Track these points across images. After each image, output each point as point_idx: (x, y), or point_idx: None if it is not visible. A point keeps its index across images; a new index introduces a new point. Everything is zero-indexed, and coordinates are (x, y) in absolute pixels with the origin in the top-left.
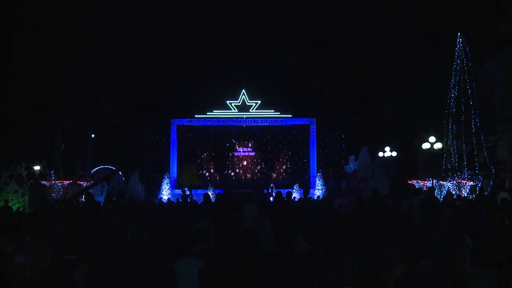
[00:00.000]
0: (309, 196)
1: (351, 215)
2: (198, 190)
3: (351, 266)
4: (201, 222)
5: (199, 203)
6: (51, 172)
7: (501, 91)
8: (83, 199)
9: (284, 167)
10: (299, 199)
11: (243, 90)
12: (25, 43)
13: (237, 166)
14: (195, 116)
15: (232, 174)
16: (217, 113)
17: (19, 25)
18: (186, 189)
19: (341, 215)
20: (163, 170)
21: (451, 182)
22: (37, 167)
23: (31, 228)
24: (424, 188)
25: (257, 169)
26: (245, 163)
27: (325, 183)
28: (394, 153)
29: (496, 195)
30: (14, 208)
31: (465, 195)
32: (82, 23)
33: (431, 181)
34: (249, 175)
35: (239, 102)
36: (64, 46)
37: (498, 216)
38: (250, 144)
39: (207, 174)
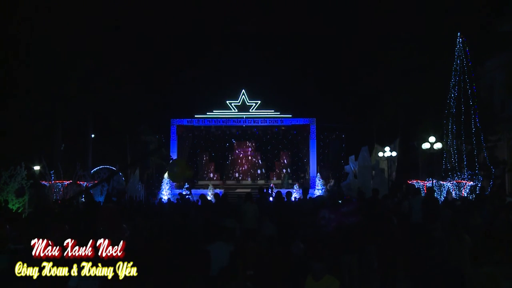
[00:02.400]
0: (308, 196)
1: (328, 233)
2: (198, 190)
3: (349, 267)
4: (227, 222)
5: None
6: (51, 172)
7: (501, 91)
8: (83, 199)
9: (284, 170)
10: (298, 199)
11: (243, 90)
12: (25, 42)
13: (237, 166)
14: (195, 116)
15: (231, 175)
16: (217, 113)
17: (19, 25)
18: (183, 191)
19: (320, 226)
20: (163, 170)
21: (451, 182)
22: (37, 167)
23: (32, 228)
24: (424, 188)
25: (257, 171)
26: (245, 163)
27: (326, 183)
28: (394, 153)
29: (496, 196)
30: (14, 208)
31: (465, 195)
32: (83, 22)
33: (431, 181)
34: (249, 175)
35: (239, 102)
36: (64, 45)
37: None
38: (250, 144)
39: (206, 176)
